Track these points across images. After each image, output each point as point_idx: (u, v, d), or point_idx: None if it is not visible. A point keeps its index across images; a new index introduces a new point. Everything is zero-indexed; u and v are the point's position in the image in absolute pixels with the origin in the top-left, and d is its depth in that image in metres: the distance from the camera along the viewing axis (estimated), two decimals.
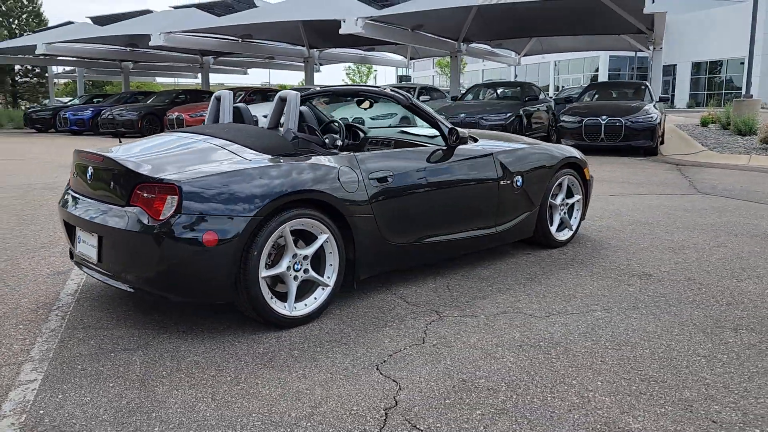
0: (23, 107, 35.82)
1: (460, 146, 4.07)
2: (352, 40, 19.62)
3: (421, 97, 15.74)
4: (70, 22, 28.32)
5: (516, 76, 47.58)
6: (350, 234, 3.36)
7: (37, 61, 27.14)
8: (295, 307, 3.18)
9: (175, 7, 23.46)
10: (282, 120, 3.63)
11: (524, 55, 24.52)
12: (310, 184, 3.14)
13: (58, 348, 2.92)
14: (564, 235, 4.82)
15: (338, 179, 3.29)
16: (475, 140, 4.45)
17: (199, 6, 21.90)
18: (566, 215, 4.83)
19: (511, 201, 4.29)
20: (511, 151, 4.36)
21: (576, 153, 4.88)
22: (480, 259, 4.44)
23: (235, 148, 3.25)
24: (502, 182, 4.20)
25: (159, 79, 45.93)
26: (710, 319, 3.28)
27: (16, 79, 42.60)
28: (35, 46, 21.69)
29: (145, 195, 2.92)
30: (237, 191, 2.94)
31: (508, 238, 4.39)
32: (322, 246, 3.26)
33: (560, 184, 4.73)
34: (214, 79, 36.87)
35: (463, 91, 16.62)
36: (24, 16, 43.85)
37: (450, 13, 16.40)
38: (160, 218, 2.85)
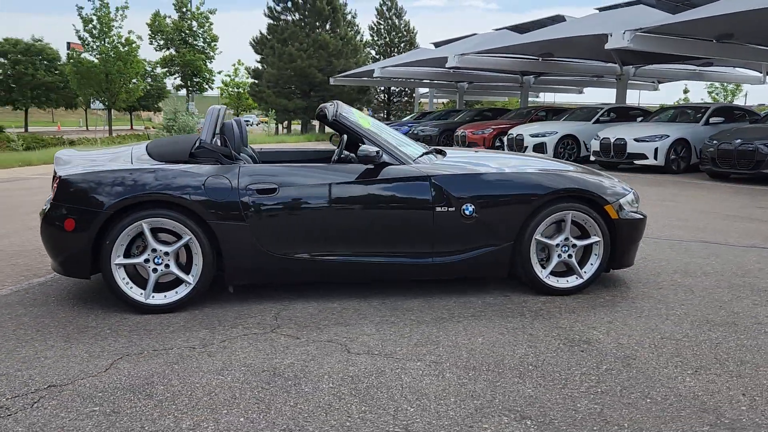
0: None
1: (394, 167, 3.87)
2: (667, 56, 17.84)
3: (712, 119, 13.46)
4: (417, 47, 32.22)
5: None
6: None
7: (374, 82, 31.34)
8: (153, 297, 3.61)
9: (496, 30, 24.68)
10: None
11: None
12: (162, 189, 3.53)
13: (7, 294, 3.95)
14: (567, 282, 4.04)
15: (203, 186, 3.59)
16: (443, 154, 4.19)
17: (512, 27, 22.65)
18: (573, 259, 4.03)
19: (458, 231, 3.86)
20: (461, 176, 3.91)
21: (591, 185, 4.03)
22: (431, 291, 4.08)
23: (138, 155, 3.84)
24: (438, 208, 3.81)
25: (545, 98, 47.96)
26: (521, 399, 2.58)
27: (392, 99, 50.00)
28: (373, 70, 25.36)
29: (54, 185, 3.74)
30: (99, 188, 3.54)
31: (456, 272, 3.95)
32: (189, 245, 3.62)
33: (563, 220, 3.98)
34: (550, 98, 37.07)
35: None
36: (402, 45, 50.90)
37: None
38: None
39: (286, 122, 40.09)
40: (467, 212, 3.84)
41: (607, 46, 13.08)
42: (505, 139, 16.67)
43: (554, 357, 3.04)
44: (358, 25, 39.77)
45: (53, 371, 2.82)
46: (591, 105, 19.67)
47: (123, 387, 2.67)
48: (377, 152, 3.78)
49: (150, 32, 37.54)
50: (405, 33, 50.51)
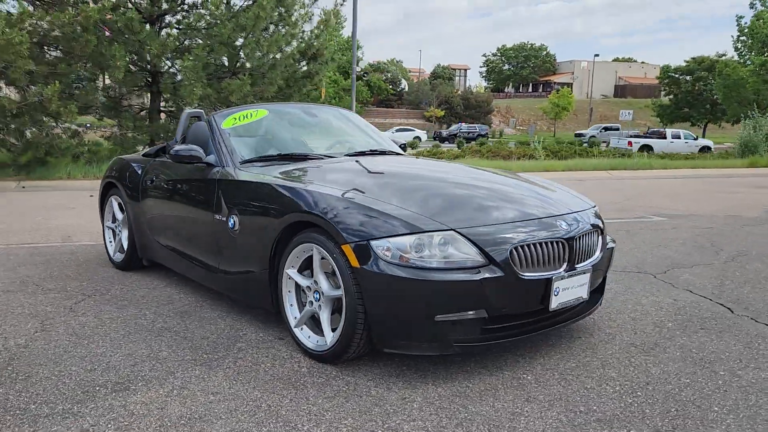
0: None
1: (214, 168, 3.74)
2: None
3: None
4: None
5: None
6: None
7: None
8: (117, 255, 4.84)
9: None
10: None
11: None
12: (111, 175, 4.74)
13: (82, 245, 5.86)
14: (317, 343, 3.01)
15: (127, 174, 4.54)
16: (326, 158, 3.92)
17: None
18: (321, 312, 2.96)
19: (229, 246, 3.47)
20: (231, 182, 3.47)
21: (329, 205, 2.84)
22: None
23: (145, 152, 4.99)
24: (216, 216, 3.53)
25: None
26: None
27: None
28: None
29: None
30: (108, 170, 4.99)
31: (238, 293, 3.54)
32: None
33: (314, 257, 2.99)
34: None
35: None
36: None
37: None
38: None
39: None
40: (230, 225, 3.43)
41: None
42: None
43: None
44: None
45: None
46: None
47: None
48: (190, 150, 3.77)
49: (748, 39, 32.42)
50: None
